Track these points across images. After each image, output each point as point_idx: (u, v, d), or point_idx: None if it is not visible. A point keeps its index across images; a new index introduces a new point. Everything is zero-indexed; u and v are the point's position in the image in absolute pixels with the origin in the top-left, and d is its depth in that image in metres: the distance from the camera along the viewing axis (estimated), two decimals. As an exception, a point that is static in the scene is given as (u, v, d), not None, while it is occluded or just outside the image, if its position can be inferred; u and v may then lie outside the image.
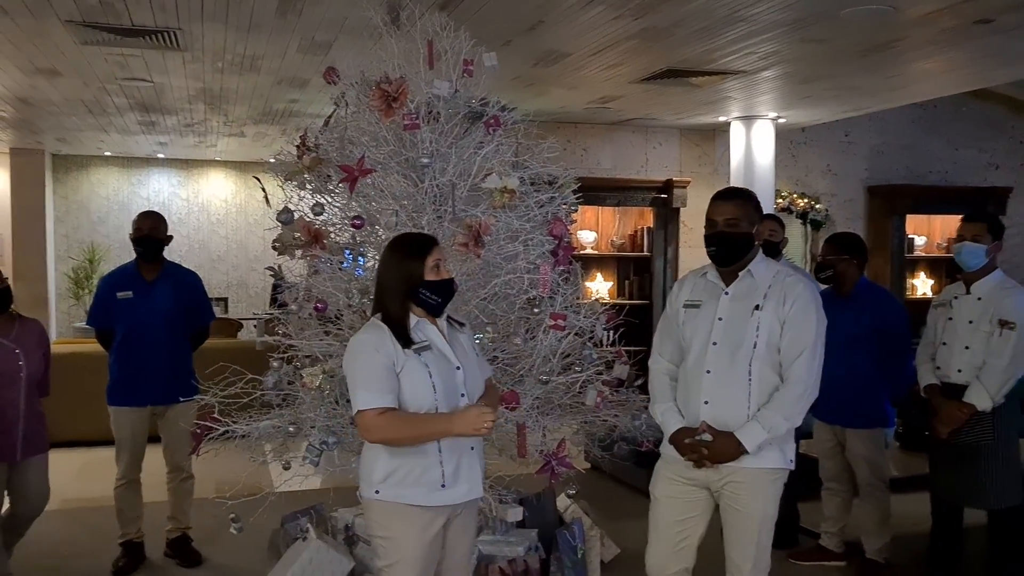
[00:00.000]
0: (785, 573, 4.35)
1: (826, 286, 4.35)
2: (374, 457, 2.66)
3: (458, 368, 2.67)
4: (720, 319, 2.88)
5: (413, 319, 2.68)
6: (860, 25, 4.98)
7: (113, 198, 11.44)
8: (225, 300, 11.57)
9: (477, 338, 3.37)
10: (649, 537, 3.05)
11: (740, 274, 2.91)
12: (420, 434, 2.58)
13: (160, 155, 11.15)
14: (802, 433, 4.72)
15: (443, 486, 2.61)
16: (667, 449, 2.98)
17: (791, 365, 2.81)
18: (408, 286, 2.66)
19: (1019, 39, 5.37)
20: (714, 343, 2.86)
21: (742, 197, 2.98)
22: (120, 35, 5.16)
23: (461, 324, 2.83)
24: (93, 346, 5.06)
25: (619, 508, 5.04)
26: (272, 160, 3.83)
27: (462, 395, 2.65)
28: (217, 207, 11.85)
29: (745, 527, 2.85)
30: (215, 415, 3.53)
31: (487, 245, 3.41)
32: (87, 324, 4.42)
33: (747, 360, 2.82)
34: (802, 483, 4.72)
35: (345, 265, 3.82)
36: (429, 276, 2.65)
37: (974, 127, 9.78)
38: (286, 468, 3.88)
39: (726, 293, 2.91)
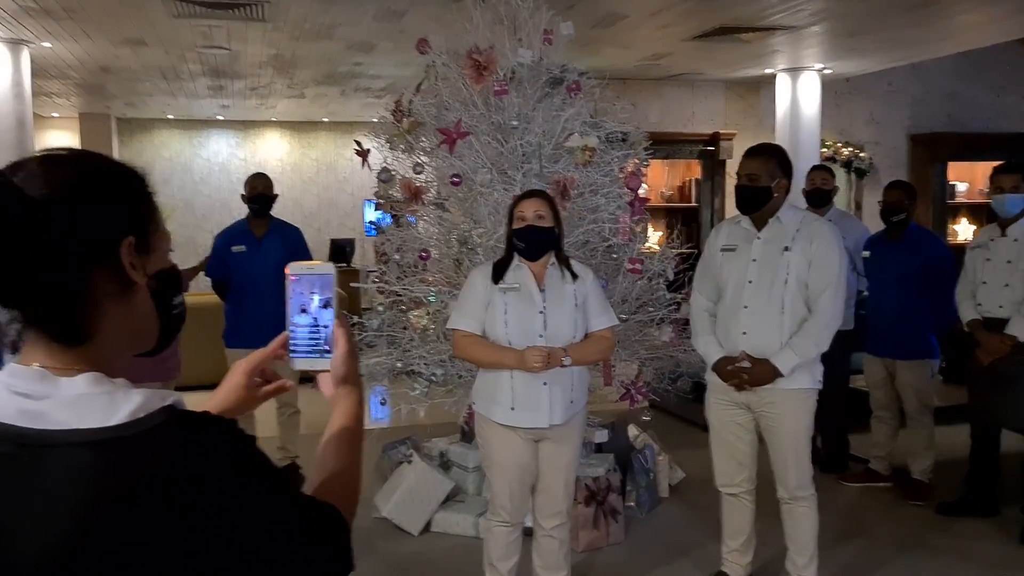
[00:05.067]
0: (837, 494, 4.74)
1: (885, 228, 4.73)
2: (478, 373, 3.17)
3: (541, 312, 3.02)
4: (754, 260, 3.25)
5: (516, 262, 3.08)
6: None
7: (176, 159, 11.91)
8: (283, 255, 12.03)
9: None
10: (713, 456, 3.47)
11: (770, 221, 3.27)
12: (486, 360, 3.06)
13: (220, 117, 11.57)
14: (852, 369, 5.11)
15: (512, 408, 3.02)
16: (712, 377, 3.38)
17: (818, 298, 3.18)
18: (507, 234, 3.11)
19: (1062, -9, 5.59)
20: (750, 281, 3.24)
21: (765, 154, 3.33)
22: (211, 7, 5.55)
23: (575, 276, 3.09)
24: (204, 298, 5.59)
25: (682, 440, 5.44)
26: (375, 121, 4.23)
27: (540, 335, 2.99)
28: (273, 166, 12.25)
29: (785, 441, 3.26)
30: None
31: (571, 199, 3.79)
32: (205, 275, 4.90)
33: (780, 295, 3.19)
34: (852, 415, 5.14)
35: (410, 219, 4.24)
36: (516, 224, 3.05)
37: (1018, 73, 9.86)
38: (383, 404, 4.37)
39: (759, 238, 3.28)
